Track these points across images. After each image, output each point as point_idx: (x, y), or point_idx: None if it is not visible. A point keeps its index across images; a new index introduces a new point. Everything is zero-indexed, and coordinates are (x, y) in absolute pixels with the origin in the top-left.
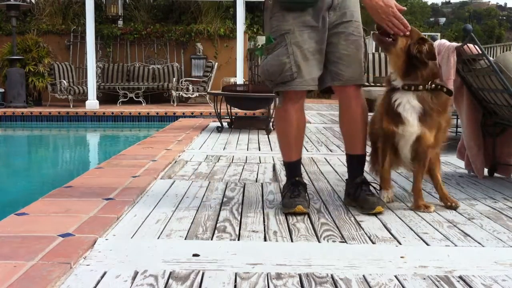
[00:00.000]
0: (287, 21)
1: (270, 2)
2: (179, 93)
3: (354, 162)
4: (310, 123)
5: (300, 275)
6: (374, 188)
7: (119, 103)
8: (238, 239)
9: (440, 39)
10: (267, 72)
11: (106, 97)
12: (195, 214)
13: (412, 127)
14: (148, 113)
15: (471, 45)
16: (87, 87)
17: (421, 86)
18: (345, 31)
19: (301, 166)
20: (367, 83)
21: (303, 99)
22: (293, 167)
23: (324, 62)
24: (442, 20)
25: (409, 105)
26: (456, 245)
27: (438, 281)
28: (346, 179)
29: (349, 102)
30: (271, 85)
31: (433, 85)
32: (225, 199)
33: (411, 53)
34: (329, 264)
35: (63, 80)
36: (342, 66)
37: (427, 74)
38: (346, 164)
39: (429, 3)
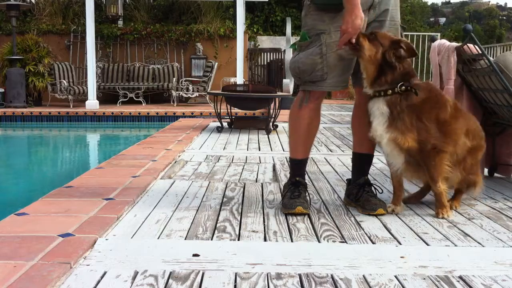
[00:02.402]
0: (323, 21)
1: (308, 2)
2: (179, 93)
3: (360, 161)
4: None
5: (300, 275)
6: (376, 189)
7: (119, 103)
8: (238, 239)
9: (440, 39)
10: (298, 70)
11: (106, 97)
12: (195, 214)
13: (376, 132)
14: (148, 113)
15: (471, 45)
16: (87, 87)
17: (390, 91)
18: (379, 29)
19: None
20: None
21: (322, 99)
22: (297, 165)
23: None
24: (442, 20)
25: (378, 112)
26: (456, 245)
27: (438, 281)
28: (347, 179)
29: (365, 101)
30: (298, 82)
31: (403, 87)
32: (225, 199)
33: (386, 60)
34: (329, 264)
35: (63, 80)
36: None
37: (396, 77)
38: (346, 164)
39: (429, 3)
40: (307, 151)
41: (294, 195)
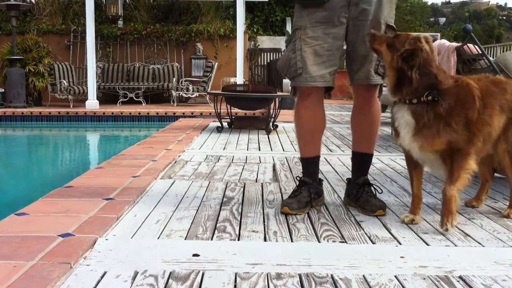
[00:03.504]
0: (301, 17)
1: (295, 1)
2: (179, 93)
3: (359, 160)
4: None
5: (300, 275)
6: (376, 189)
7: (119, 103)
8: (238, 239)
9: (440, 39)
10: (279, 67)
11: (106, 97)
12: (195, 214)
13: (404, 142)
14: (148, 113)
15: (471, 45)
16: (87, 87)
17: (415, 99)
18: (362, 30)
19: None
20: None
21: (317, 96)
22: (304, 163)
23: (348, 60)
24: (442, 20)
25: (403, 120)
26: (456, 245)
27: (438, 281)
28: (346, 179)
29: (362, 100)
30: (287, 79)
31: (429, 97)
32: (225, 199)
33: (399, 66)
34: (329, 264)
35: (63, 80)
36: (357, 65)
37: (418, 86)
38: (346, 164)
39: (429, 3)
40: (312, 149)
41: (292, 194)
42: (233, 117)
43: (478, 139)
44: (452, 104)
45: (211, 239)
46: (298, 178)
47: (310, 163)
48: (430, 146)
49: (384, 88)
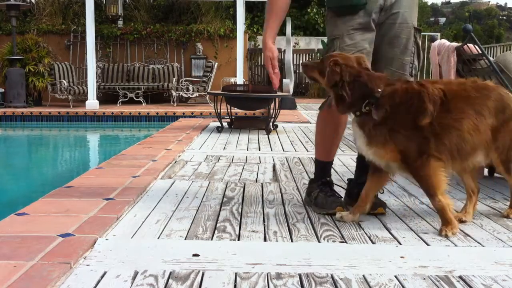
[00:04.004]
0: (336, 26)
1: (327, 10)
2: (179, 93)
3: (363, 160)
4: (310, 123)
5: (300, 275)
6: None
7: (119, 103)
8: (238, 239)
9: (440, 39)
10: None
11: (106, 97)
12: (195, 214)
13: (362, 151)
14: (148, 113)
15: (471, 45)
16: (87, 87)
17: (358, 112)
18: (389, 33)
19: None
20: None
21: None
22: (326, 167)
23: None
24: (442, 20)
25: (355, 132)
26: (456, 245)
27: (438, 281)
28: (347, 179)
29: None
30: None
31: (367, 107)
32: (225, 199)
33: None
34: (329, 264)
35: (63, 80)
36: (382, 68)
37: (353, 99)
38: (346, 164)
39: (429, 3)
40: (335, 153)
41: (328, 194)
42: (233, 117)
43: (440, 143)
44: (392, 110)
45: (211, 239)
46: (326, 180)
47: (331, 165)
48: (383, 154)
49: None
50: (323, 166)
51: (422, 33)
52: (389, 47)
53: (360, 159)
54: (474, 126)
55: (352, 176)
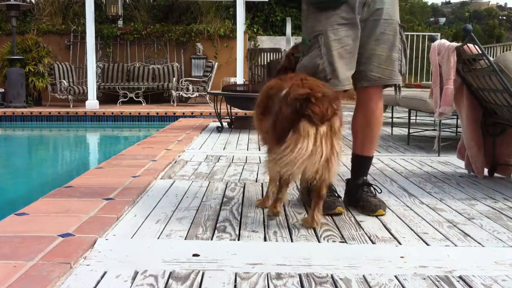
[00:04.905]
0: (320, 22)
1: (305, 6)
2: (179, 93)
3: (361, 163)
4: None
5: (300, 275)
6: (375, 189)
7: (119, 103)
8: (238, 239)
9: (440, 39)
10: None
11: (106, 97)
12: (195, 214)
13: None
14: (148, 113)
15: (471, 45)
16: (87, 87)
17: None
18: (376, 29)
19: None
20: (399, 83)
21: (343, 99)
22: None
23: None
24: (442, 20)
25: None
26: (456, 245)
27: (438, 281)
28: (346, 179)
29: (369, 102)
30: None
31: None
32: (225, 199)
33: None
34: (329, 264)
35: (63, 80)
36: (372, 66)
37: None
38: (346, 164)
39: (429, 3)
40: None
41: (327, 195)
42: (233, 117)
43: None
44: None
45: (211, 239)
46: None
47: None
48: None
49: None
50: None
51: (422, 33)
52: (376, 43)
53: (357, 163)
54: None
55: None
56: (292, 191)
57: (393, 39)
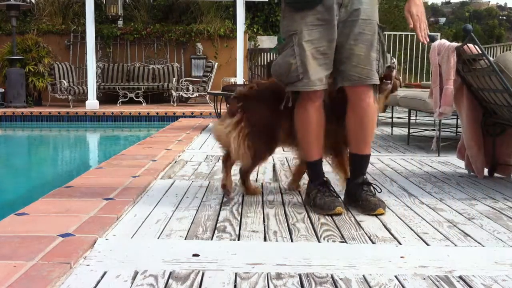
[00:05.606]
0: (295, 21)
1: (283, 5)
2: (179, 93)
3: (358, 162)
4: None
5: (300, 275)
6: (375, 189)
7: (119, 103)
8: (238, 239)
9: (440, 39)
10: (276, 73)
11: (106, 97)
12: (195, 214)
13: None
14: (148, 113)
15: (471, 45)
16: (87, 87)
17: None
18: (354, 29)
19: None
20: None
21: (320, 99)
22: (314, 167)
23: (334, 62)
24: (442, 20)
25: None
26: (456, 245)
27: (438, 281)
28: (346, 179)
29: (358, 102)
30: (282, 85)
31: None
32: (225, 199)
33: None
34: (329, 264)
35: (63, 80)
36: (351, 66)
37: None
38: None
39: (429, 3)
40: (320, 151)
41: (326, 194)
42: None
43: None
44: None
45: (211, 239)
46: (323, 180)
47: (320, 164)
48: None
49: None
50: (309, 166)
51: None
52: (355, 43)
53: (354, 162)
54: None
55: None
56: (292, 191)
57: (371, 39)
